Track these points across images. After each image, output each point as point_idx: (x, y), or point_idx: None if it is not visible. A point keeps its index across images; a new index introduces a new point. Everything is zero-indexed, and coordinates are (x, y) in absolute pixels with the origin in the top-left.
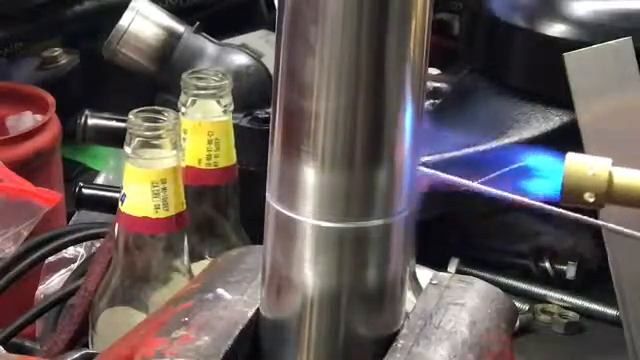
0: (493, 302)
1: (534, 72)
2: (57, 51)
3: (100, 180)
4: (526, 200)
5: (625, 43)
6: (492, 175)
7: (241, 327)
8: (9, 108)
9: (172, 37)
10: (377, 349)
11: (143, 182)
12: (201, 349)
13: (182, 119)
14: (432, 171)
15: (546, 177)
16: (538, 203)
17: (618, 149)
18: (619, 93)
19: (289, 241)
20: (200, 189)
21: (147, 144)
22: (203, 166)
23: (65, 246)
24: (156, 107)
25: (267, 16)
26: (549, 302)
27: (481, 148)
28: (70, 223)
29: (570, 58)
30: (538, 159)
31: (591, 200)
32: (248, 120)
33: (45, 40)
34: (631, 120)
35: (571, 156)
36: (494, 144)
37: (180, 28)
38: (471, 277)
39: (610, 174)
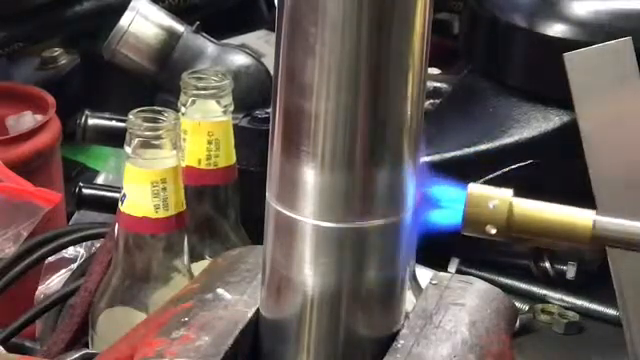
0: (493, 302)
1: (534, 72)
2: (57, 51)
3: (100, 180)
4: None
5: (625, 43)
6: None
7: (241, 327)
8: (9, 108)
9: (172, 37)
10: (377, 349)
11: (143, 182)
12: (201, 349)
13: (182, 119)
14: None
15: (449, 207)
16: None
17: (618, 149)
18: (619, 93)
19: (289, 241)
20: (200, 189)
21: (147, 144)
22: (203, 166)
23: (65, 246)
24: (156, 107)
25: (267, 16)
26: (549, 302)
27: (481, 148)
28: (70, 223)
29: (570, 58)
30: (442, 189)
31: (493, 232)
32: (248, 120)
33: (45, 40)
34: (631, 120)
35: (473, 187)
36: (494, 144)
37: (180, 28)
38: (471, 277)
39: (510, 207)
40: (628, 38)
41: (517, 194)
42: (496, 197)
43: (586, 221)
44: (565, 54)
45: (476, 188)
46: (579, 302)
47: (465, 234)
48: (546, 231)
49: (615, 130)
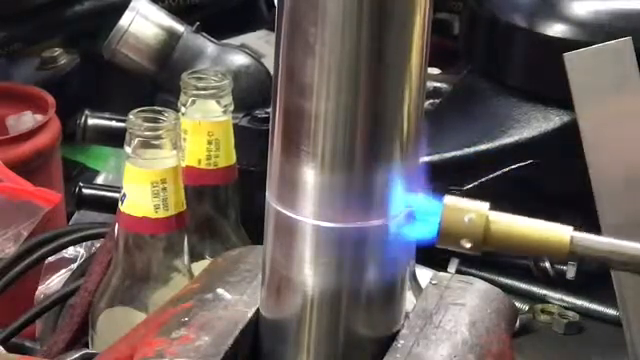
0: (493, 302)
1: (534, 72)
2: (57, 51)
3: (100, 180)
4: None
5: (625, 43)
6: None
7: (241, 327)
8: (9, 108)
9: (172, 37)
10: (377, 349)
11: (143, 182)
12: (201, 349)
13: (182, 119)
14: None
15: (424, 219)
16: None
17: (618, 149)
18: (619, 93)
19: (289, 241)
20: (200, 189)
21: (147, 144)
22: (203, 166)
23: (65, 246)
24: (156, 107)
25: (267, 16)
26: (549, 302)
27: (481, 148)
28: (70, 223)
29: (570, 58)
30: (417, 200)
31: (467, 246)
32: (248, 120)
33: (45, 40)
34: (631, 120)
35: (449, 200)
36: (494, 144)
37: (180, 28)
38: (471, 277)
39: (487, 221)
40: (628, 38)
41: (493, 207)
42: (472, 211)
43: (563, 237)
44: (565, 54)
45: (452, 201)
46: (579, 302)
47: (439, 247)
48: (522, 246)
49: (615, 130)
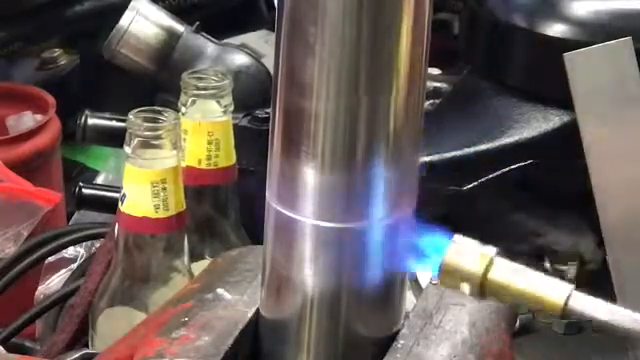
0: (493, 302)
1: (534, 72)
2: (57, 51)
3: (100, 180)
4: None
5: (625, 43)
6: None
7: (241, 327)
8: (9, 108)
9: (172, 37)
10: (377, 349)
11: (143, 182)
12: (201, 349)
13: (182, 119)
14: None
15: (430, 255)
16: None
17: (618, 150)
18: (619, 93)
19: (289, 241)
20: (200, 189)
21: (147, 144)
22: (203, 166)
23: (65, 246)
24: (156, 107)
25: (267, 16)
26: None
27: (481, 148)
28: (70, 223)
29: (570, 58)
30: (426, 239)
31: (467, 291)
32: (248, 120)
33: (45, 40)
34: (631, 120)
35: (455, 241)
36: (494, 144)
37: (180, 28)
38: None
39: (487, 270)
40: (628, 38)
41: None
42: (475, 257)
43: (559, 298)
44: (565, 54)
45: (458, 243)
46: None
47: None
48: (518, 299)
49: (615, 130)
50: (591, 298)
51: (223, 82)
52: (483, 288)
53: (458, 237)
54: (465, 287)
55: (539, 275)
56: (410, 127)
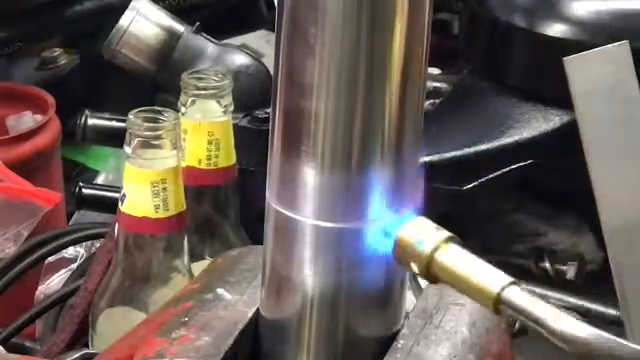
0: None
1: (534, 72)
2: (57, 51)
3: (100, 180)
4: None
5: (622, 47)
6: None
7: (241, 327)
8: (9, 108)
9: (172, 37)
10: (377, 349)
11: (143, 182)
12: (201, 349)
13: (182, 119)
14: None
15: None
16: None
17: (618, 150)
18: (617, 95)
19: (289, 241)
20: (200, 189)
21: (147, 144)
22: (203, 166)
23: (65, 246)
24: (156, 107)
25: (267, 16)
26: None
27: (481, 148)
28: (70, 223)
29: (570, 61)
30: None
31: (415, 270)
32: (248, 120)
33: (45, 40)
34: (630, 121)
35: (413, 221)
36: (494, 144)
37: (180, 28)
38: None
39: (434, 252)
40: (625, 42)
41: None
42: (427, 238)
43: (494, 288)
44: (565, 58)
45: (414, 223)
46: (579, 302)
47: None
48: (459, 287)
49: (615, 131)
50: (528, 295)
51: (223, 82)
52: (429, 268)
53: (419, 218)
54: (414, 266)
55: (487, 266)
56: (410, 127)
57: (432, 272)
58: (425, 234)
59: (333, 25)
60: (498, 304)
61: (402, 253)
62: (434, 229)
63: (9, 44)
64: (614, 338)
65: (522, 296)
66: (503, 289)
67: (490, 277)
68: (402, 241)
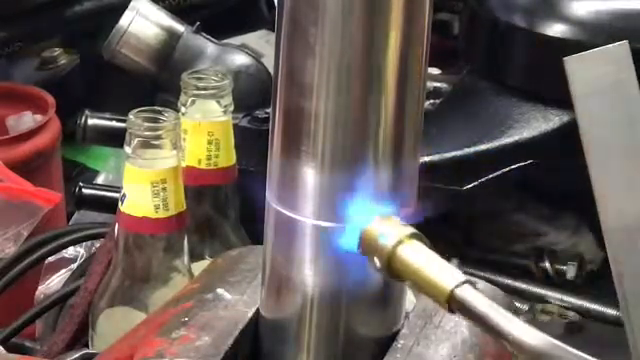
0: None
1: (534, 72)
2: (57, 51)
3: (100, 180)
4: None
5: (622, 47)
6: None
7: (241, 327)
8: (9, 108)
9: (172, 37)
10: (377, 349)
11: (143, 182)
12: (201, 349)
13: (182, 119)
14: None
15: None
16: None
17: (618, 151)
18: (617, 95)
19: (289, 241)
20: (200, 189)
21: (147, 144)
22: (203, 166)
23: (65, 246)
24: (156, 107)
25: (267, 16)
26: (549, 302)
27: (481, 148)
28: (70, 223)
29: (570, 61)
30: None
31: (377, 264)
32: (248, 120)
33: (45, 40)
34: (630, 121)
35: (380, 217)
36: (494, 144)
37: (180, 28)
38: (471, 277)
39: (395, 248)
40: (625, 42)
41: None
42: (390, 234)
43: (448, 284)
44: (565, 58)
45: (379, 220)
46: (579, 302)
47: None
48: (415, 284)
49: (614, 131)
50: (482, 297)
51: (223, 82)
52: (390, 262)
53: (381, 218)
54: (377, 261)
55: (446, 264)
56: (410, 127)
57: (393, 266)
58: (389, 229)
59: (333, 25)
60: (451, 301)
61: (366, 246)
62: (400, 225)
63: (9, 44)
64: (565, 347)
65: (475, 296)
66: (457, 287)
67: (446, 274)
68: (367, 234)
